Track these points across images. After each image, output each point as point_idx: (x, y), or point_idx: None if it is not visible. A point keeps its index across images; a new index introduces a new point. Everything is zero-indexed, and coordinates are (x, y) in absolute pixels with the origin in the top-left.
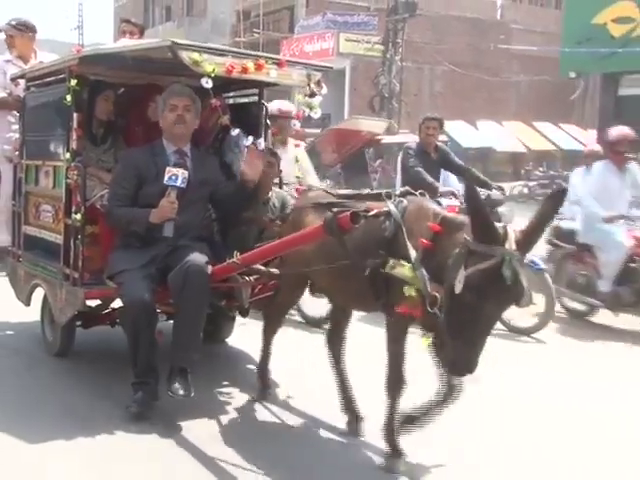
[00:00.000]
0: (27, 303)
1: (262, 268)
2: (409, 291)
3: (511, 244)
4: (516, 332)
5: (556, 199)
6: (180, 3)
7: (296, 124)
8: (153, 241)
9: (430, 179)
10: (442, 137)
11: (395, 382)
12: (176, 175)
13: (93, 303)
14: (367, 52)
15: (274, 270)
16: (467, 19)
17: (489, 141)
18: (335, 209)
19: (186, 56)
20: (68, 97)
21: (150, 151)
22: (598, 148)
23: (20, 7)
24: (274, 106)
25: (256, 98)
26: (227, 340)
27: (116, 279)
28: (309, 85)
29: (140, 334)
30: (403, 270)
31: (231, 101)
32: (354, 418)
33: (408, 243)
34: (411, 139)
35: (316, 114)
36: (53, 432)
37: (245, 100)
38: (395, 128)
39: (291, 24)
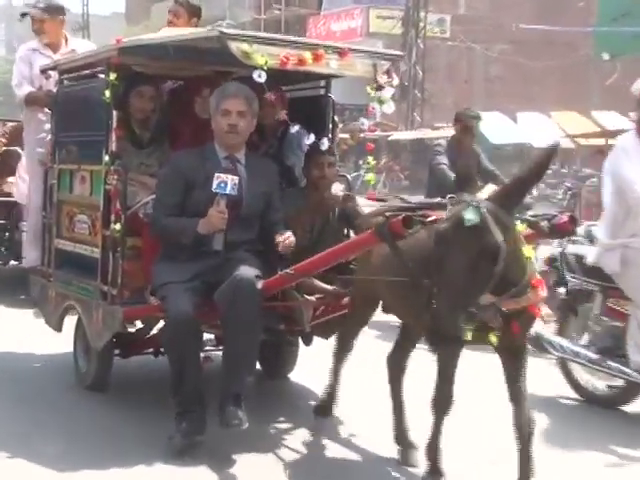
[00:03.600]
0: (58, 328)
1: (325, 286)
2: None
3: (483, 194)
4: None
5: (548, 154)
6: None
7: (364, 123)
8: (201, 254)
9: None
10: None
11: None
12: (225, 182)
13: (135, 327)
14: (391, 31)
15: (335, 288)
16: None
17: (528, 136)
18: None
19: (235, 47)
20: (107, 92)
21: (200, 155)
22: None
23: None
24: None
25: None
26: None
27: (158, 293)
28: (375, 76)
29: (184, 353)
30: None
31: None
32: (406, 447)
33: None
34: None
35: (390, 108)
36: (89, 468)
37: (310, 93)
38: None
39: None
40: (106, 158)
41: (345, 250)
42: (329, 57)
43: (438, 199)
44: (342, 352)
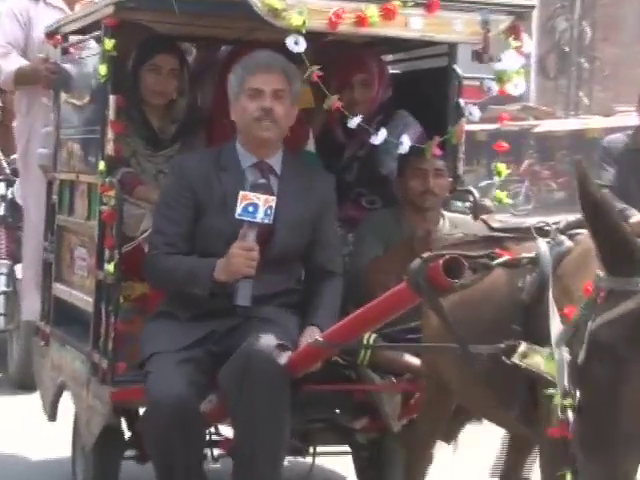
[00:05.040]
0: (52, 415)
1: (417, 362)
2: (559, 397)
3: None
4: None
5: None
6: None
7: (472, 113)
8: (211, 312)
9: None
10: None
11: None
12: (255, 205)
13: None
14: None
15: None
16: None
17: None
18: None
19: (258, 0)
20: (102, 68)
21: (214, 161)
22: None
23: None
24: None
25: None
26: None
27: (146, 368)
28: (486, 40)
29: (174, 457)
30: (538, 359)
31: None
32: None
33: (552, 308)
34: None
35: (517, 88)
36: None
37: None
38: None
39: None
40: (101, 165)
41: (378, 310)
42: (408, 12)
43: (528, 223)
44: (417, 470)
